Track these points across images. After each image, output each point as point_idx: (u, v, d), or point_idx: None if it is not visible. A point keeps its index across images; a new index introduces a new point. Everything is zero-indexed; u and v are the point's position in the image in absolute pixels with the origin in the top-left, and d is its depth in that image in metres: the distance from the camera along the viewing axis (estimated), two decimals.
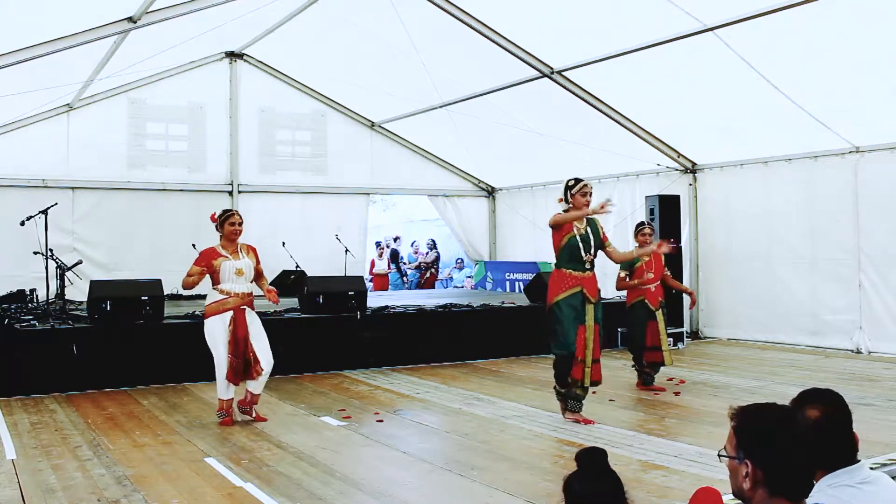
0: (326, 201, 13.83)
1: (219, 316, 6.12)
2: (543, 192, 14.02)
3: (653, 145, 11.08)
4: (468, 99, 11.54)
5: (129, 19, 7.41)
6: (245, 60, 13.10)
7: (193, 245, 9.51)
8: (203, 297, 11.50)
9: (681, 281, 10.66)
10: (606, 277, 8.26)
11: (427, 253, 17.93)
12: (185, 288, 6.23)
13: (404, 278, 17.89)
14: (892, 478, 2.37)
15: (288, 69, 13.24)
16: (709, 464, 4.79)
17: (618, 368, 8.36)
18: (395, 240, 18.31)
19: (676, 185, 11.41)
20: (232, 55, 12.96)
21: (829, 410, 2.31)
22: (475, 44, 9.82)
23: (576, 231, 6.04)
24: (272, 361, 6.29)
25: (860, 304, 9.39)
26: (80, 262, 10.40)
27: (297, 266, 11.67)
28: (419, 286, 17.46)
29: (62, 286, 9.52)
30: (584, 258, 6.03)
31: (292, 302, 9.90)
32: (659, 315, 7.59)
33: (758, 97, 8.83)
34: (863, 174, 9.33)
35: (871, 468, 2.37)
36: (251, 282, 6.30)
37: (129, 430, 6.06)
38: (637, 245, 7.58)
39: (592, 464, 2.04)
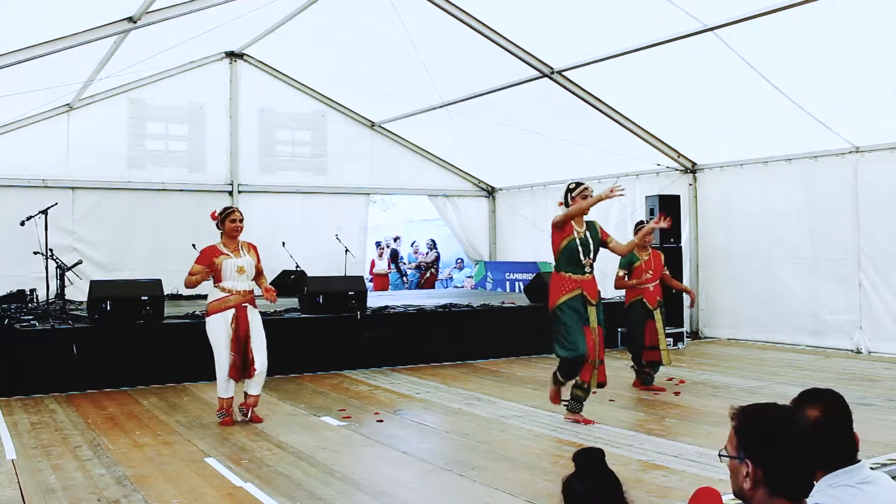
0: (326, 201, 13.83)
1: (221, 314, 6.13)
2: (543, 192, 14.02)
3: (653, 145, 11.08)
4: (468, 99, 11.54)
5: (129, 19, 7.41)
6: (245, 60, 13.10)
7: (193, 245, 9.51)
8: (203, 297, 11.49)
9: (680, 281, 10.67)
10: (606, 278, 8.26)
11: (427, 253, 17.93)
12: (187, 287, 6.23)
13: (404, 278, 17.89)
14: (893, 478, 2.37)
15: (288, 69, 13.24)
16: (709, 464, 4.79)
17: (618, 368, 8.36)
18: (395, 240, 18.31)
19: (676, 185, 11.41)
20: (232, 55, 12.96)
21: (830, 410, 2.31)
22: (475, 44, 9.82)
23: (576, 234, 6.03)
24: (266, 363, 6.28)
25: (860, 304, 9.39)
26: (80, 262, 10.40)
27: (297, 266, 11.68)
28: (419, 286, 17.46)
29: (62, 286, 9.52)
30: (583, 262, 6.02)
31: (292, 302, 9.91)
32: (657, 314, 7.59)
33: (758, 97, 8.83)
34: (863, 174, 9.33)
35: (872, 468, 2.37)
36: (252, 280, 6.30)
37: (129, 430, 6.06)
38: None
39: (590, 464, 2.04)
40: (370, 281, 15.92)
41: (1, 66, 7.18)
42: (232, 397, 6.27)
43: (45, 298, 9.35)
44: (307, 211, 13.51)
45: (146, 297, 8.22)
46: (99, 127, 12.02)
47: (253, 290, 6.32)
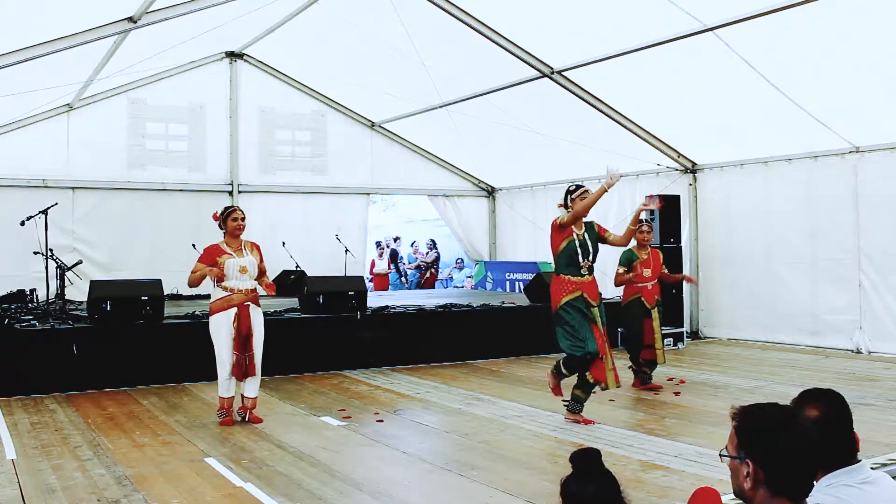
0: (326, 201, 13.83)
1: (224, 313, 6.13)
2: (543, 192, 14.02)
3: (653, 145, 11.08)
4: (468, 99, 11.54)
5: (129, 19, 7.41)
6: (245, 60, 13.10)
7: (193, 245, 9.52)
8: (204, 297, 11.52)
9: (681, 282, 10.66)
10: (606, 278, 8.27)
11: (427, 253, 17.93)
12: (190, 285, 6.22)
13: (403, 279, 17.89)
14: (893, 477, 2.37)
15: (288, 69, 13.24)
16: (709, 464, 4.80)
17: (619, 369, 8.33)
18: (396, 240, 18.31)
19: (676, 185, 11.41)
20: (232, 55, 12.96)
21: (830, 410, 2.31)
22: (475, 44, 9.82)
23: (575, 236, 6.02)
24: (260, 365, 6.29)
25: (860, 304, 9.39)
26: (80, 262, 10.40)
27: (297, 266, 11.68)
28: (419, 286, 17.46)
29: (62, 286, 9.52)
30: (582, 263, 6.00)
31: (292, 302, 9.91)
32: (655, 313, 7.61)
33: (758, 97, 8.83)
34: (863, 174, 9.33)
35: (872, 468, 2.37)
36: (255, 279, 6.30)
37: (129, 430, 6.06)
38: (636, 243, 7.59)
39: (587, 465, 2.04)
40: (370, 281, 15.92)
41: (1, 66, 7.18)
42: (232, 397, 6.28)
43: (45, 298, 9.35)
44: (307, 211, 13.51)
45: (146, 297, 8.22)
46: (99, 127, 12.02)
47: (256, 289, 6.32)
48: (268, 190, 13.34)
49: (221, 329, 6.13)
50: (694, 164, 11.43)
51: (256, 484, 4.59)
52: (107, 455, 5.29)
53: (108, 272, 11.56)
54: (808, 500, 1.95)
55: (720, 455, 2.02)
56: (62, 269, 9.49)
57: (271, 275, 7.29)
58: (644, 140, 10.97)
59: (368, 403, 7.07)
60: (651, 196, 6.50)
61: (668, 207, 10.91)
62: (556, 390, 6.23)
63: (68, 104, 11.64)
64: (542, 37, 9.63)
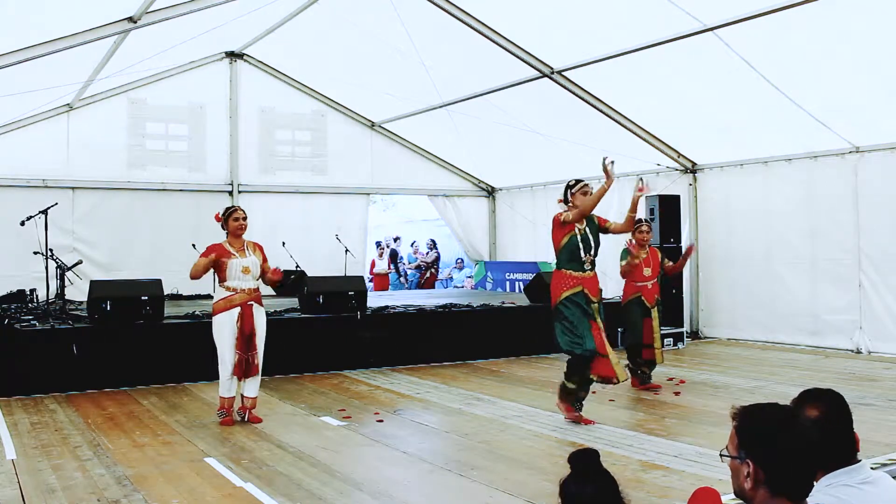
0: (326, 201, 13.83)
1: (227, 313, 6.13)
2: (543, 192, 14.02)
3: (653, 145, 11.08)
4: (468, 99, 11.54)
5: (130, 19, 7.41)
6: (245, 60, 13.11)
7: (193, 245, 9.51)
8: (204, 297, 11.53)
9: (680, 281, 10.68)
10: (606, 276, 8.27)
11: (427, 253, 17.93)
12: (193, 275, 6.19)
13: (402, 279, 17.88)
14: (893, 477, 2.37)
15: (288, 69, 13.24)
16: (709, 464, 4.79)
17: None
18: (396, 240, 18.31)
19: (676, 185, 11.41)
20: (232, 55, 12.96)
21: (830, 410, 2.30)
22: (475, 44, 9.82)
23: (577, 230, 6.01)
24: (261, 364, 6.30)
25: (860, 304, 9.39)
26: (80, 262, 10.39)
27: (297, 266, 11.67)
28: (419, 286, 17.46)
29: (62, 286, 9.52)
30: (584, 258, 6.00)
31: (292, 302, 9.91)
32: (654, 313, 7.61)
33: (758, 97, 8.83)
34: (863, 174, 9.33)
35: (872, 468, 2.37)
36: (257, 279, 6.30)
37: (129, 430, 6.06)
38: (634, 242, 7.59)
39: (586, 465, 2.04)
40: (370, 281, 15.91)
41: (1, 66, 7.18)
42: (233, 397, 6.28)
43: (45, 298, 9.35)
44: (307, 211, 13.51)
45: (146, 297, 8.22)
46: (99, 127, 12.02)
47: (258, 289, 6.33)
48: (268, 190, 13.34)
49: (224, 329, 6.13)
50: (694, 164, 11.43)
51: (256, 484, 4.59)
52: (107, 455, 5.29)
53: (108, 272, 11.55)
54: (808, 500, 1.95)
55: (721, 455, 2.02)
56: (62, 269, 9.49)
57: None
58: (644, 140, 10.97)
59: (368, 403, 7.07)
60: (642, 188, 6.33)
61: (668, 207, 10.93)
62: (571, 412, 6.08)
63: (68, 104, 11.64)
64: (542, 37, 9.63)
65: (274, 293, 11.17)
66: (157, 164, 12.57)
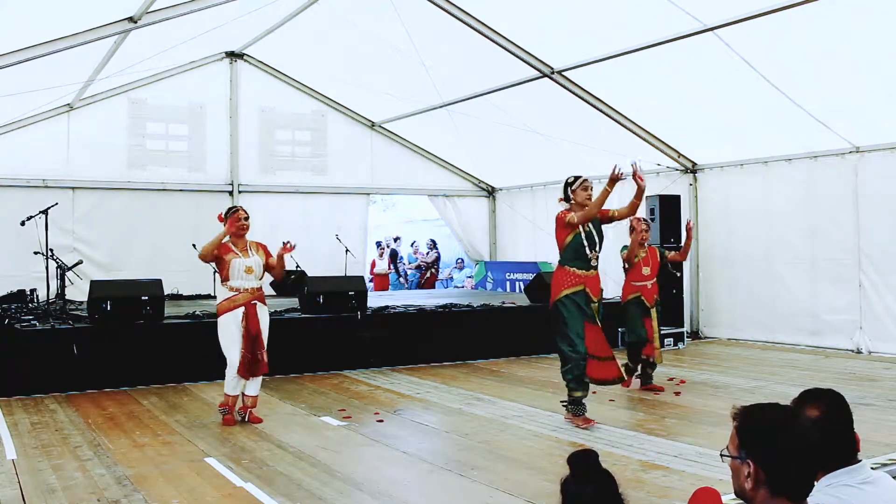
0: (326, 201, 13.83)
1: (231, 313, 6.13)
2: (543, 192, 14.02)
3: (653, 145, 11.08)
4: (468, 99, 11.54)
5: (130, 19, 7.41)
6: (245, 60, 13.11)
7: (193, 245, 9.52)
8: (205, 297, 11.53)
9: (680, 281, 10.68)
10: (607, 276, 8.26)
11: (427, 253, 17.93)
12: (203, 255, 6.18)
13: (402, 279, 17.88)
14: (893, 478, 2.37)
15: (288, 69, 13.24)
16: (709, 464, 4.80)
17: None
18: (396, 240, 18.31)
19: (677, 185, 11.41)
20: (232, 55, 12.96)
21: (830, 410, 2.30)
22: (475, 44, 9.83)
23: (581, 228, 5.99)
24: (267, 364, 6.30)
25: (860, 304, 9.39)
26: (80, 262, 10.40)
27: (298, 266, 11.68)
28: (419, 286, 17.46)
29: (62, 286, 9.52)
30: (589, 255, 5.99)
31: (292, 302, 9.91)
32: (653, 313, 7.60)
33: (758, 97, 8.83)
34: (863, 174, 9.33)
35: (872, 468, 2.37)
36: (260, 278, 6.30)
37: (129, 430, 6.06)
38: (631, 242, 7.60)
39: (585, 465, 2.04)
40: (370, 281, 15.91)
41: (1, 66, 7.18)
42: (237, 395, 6.26)
43: (45, 298, 9.36)
44: (307, 211, 13.50)
45: (146, 297, 8.22)
46: (99, 127, 12.02)
47: (261, 288, 6.32)
48: (268, 190, 13.34)
49: (229, 328, 6.12)
50: (694, 164, 11.43)
51: (256, 484, 4.59)
52: (107, 455, 5.29)
53: (108, 272, 11.56)
54: (808, 499, 1.95)
55: (721, 455, 2.02)
56: (62, 269, 9.49)
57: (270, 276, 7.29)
58: (644, 140, 10.97)
59: (368, 403, 7.07)
60: (634, 171, 6.20)
61: (668, 207, 10.93)
62: (587, 422, 5.98)
63: (68, 104, 11.64)
64: (542, 37, 9.63)
65: (274, 293, 11.19)
66: (158, 164, 12.57)
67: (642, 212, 11.09)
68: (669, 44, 8.54)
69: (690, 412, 6.51)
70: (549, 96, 10.58)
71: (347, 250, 12.45)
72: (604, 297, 6.33)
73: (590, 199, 6.00)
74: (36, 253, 9.45)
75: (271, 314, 8.62)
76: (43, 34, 7.24)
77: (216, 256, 6.19)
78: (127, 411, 6.77)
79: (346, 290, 9.27)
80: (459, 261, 18.31)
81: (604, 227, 6.21)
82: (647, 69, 9.25)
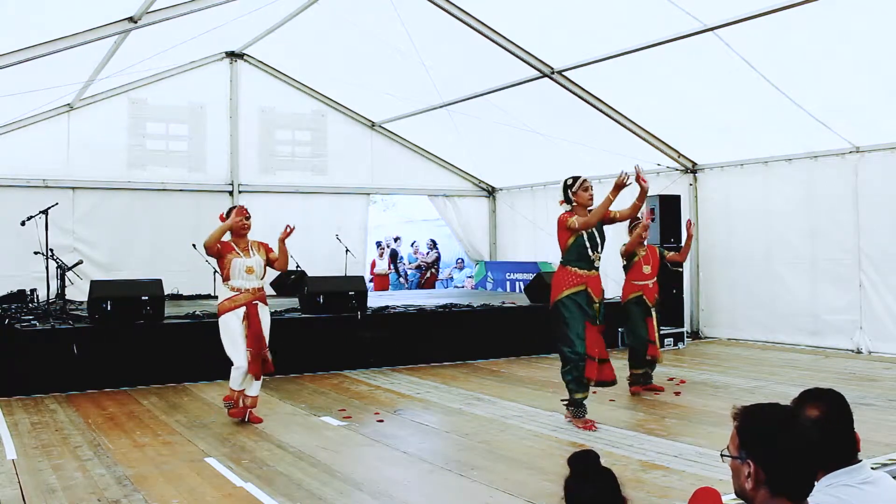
0: (326, 201, 13.83)
1: (233, 312, 6.12)
2: (543, 192, 14.02)
3: (653, 145, 11.08)
4: (468, 99, 11.54)
5: (130, 19, 7.41)
6: (245, 60, 13.11)
7: (193, 245, 9.52)
8: (205, 297, 11.52)
9: (680, 281, 10.68)
10: (607, 276, 8.25)
11: (427, 253, 17.93)
12: (209, 244, 6.09)
13: (402, 279, 17.88)
14: (894, 478, 2.37)
15: (288, 69, 13.24)
16: (709, 464, 4.79)
17: (619, 368, 8.34)
18: (396, 240, 18.31)
19: (677, 185, 11.41)
20: (232, 55, 12.96)
21: (830, 410, 2.30)
22: (475, 44, 9.83)
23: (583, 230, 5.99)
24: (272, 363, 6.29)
25: (860, 304, 9.39)
26: (80, 262, 10.40)
27: (298, 266, 11.68)
28: (419, 286, 17.46)
29: (62, 286, 9.52)
30: (592, 257, 5.98)
31: (292, 302, 9.91)
32: (653, 313, 7.60)
33: (758, 97, 8.83)
34: (863, 174, 9.33)
35: (872, 468, 2.37)
36: (261, 278, 6.28)
37: (129, 430, 6.06)
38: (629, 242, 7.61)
39: (585, 466, 2.05)
40: (370, 281, 15.91)
41: (1, 66, 7.18)
42: (243, 389, 6.22)
43: (45, 298, 9.36)
44: (307, 211, 13.47)
45: (146, 297, 8.22)
46: (99, 127, 12.02)
47: (262, 288, 6.31)
48: (268, 190, 13.34)
49: (232, 326, 6.10)
50: (694, 164, 11.43)
51: (256, 484, 4.59)
52: (107, 455, 5.29)
53: (108, 272, 11.56)
54: (808, 499, 1.95)
55: (721, 455, 2.02)
56: (62, 269, 9.49)
57: (271, 276, 7.29)
58: (644, 140, 10.97)
59: (368, 403, 7.07)
60: (637, 174, 6.19)
61: (669, 207, 10.93)
62: (588, 424, 5.96)
63: (69, 104, 11.64)
64: (542, 37, 9.63)
65: (274, 293, 11.19)
66: (158, 164, 12.57)
67: (641, 212, 11.11)
68: (669, 44, 8.54)
69: (690, 412, 6.51)
70: (549, 96, 10.58)
71: (347, 250, 12.45)
72: (605, 297, 6.31)
73: (591, 199, 5.99)
74: (36, 253, 9.45)
75: (271, 314, 8.65)
76: (43, 34, 7.24)
77: (218, 252, 6.16)
78: (127, 411, 6.77)
79: (346, 290, 9.27)
80: (459, 261, 18.31)
81: (605, 227, 6.19)
82: (647, 69, 9.25)
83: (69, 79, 9.93)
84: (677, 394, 7.29)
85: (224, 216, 6.38)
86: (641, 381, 7.51)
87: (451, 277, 18.64)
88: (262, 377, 6.29)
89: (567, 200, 6.02)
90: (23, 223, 9.28)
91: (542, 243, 13.45)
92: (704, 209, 11.39)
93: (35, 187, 11.53)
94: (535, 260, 13.77)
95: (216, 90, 12.92)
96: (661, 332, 7.83)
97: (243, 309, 6.12)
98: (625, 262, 7.64)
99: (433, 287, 17.37)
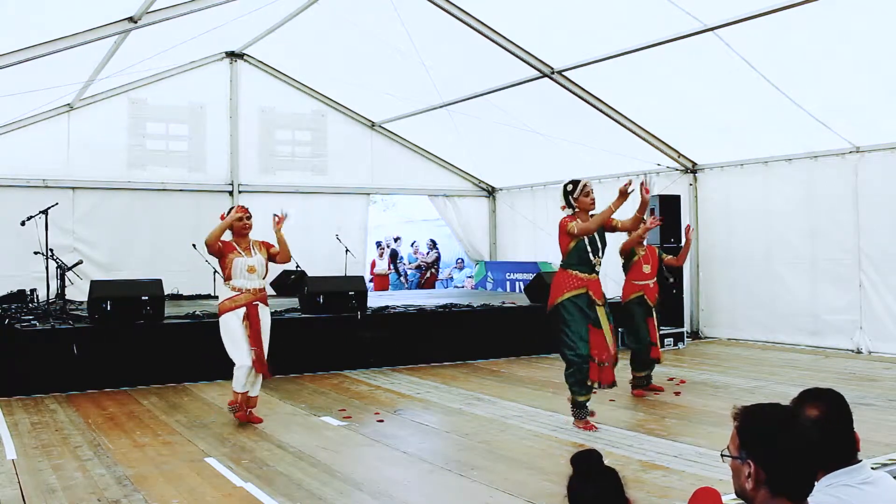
0: (326, 201, 13.83)
1: (233, 311, 6.11)
2: (543, 192, 14.02)
3: (653, 145, 11.08)
4: (468, 99, 11.54)
5: (130, 19, 7.41)
6: (245, 60, 13.11)
7: (194, 245, 9.51)
8: (205, 297, 11.51)
9: (680, 281, 10.67)
10: (607, 277, 8.25)
11: (427, 253, 17.93)
12: (210, 241, 6.05)
13: (402, 279, 17.88)
14: (894, 477, 2.37)
15: (288, 69, 13.24)
16: (709, 464, 4.80)
17: (619, 369, 8.34)
18: (396, 240, 18.31)
19: (677, 185, 11.41)
20: (232, 55, 12.96)
21: (830, 410, 2.30)
22: (475, 44, 9.83)
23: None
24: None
25: (860, 304, 9.39)
26: (80, 262, 10.41)
27: (297, 266, 11.67)
28: (419, 286, 17.46)
29: (62, 286, 9.52)
30: (593, 261, 5.97)
31: (292, 302, 9.91)
32: (654, 313, 7.60)
33: (758, 97, 8.83)
34: (863, 174, 9.33)
35: (872, 468, 2.37)
36: (263, 278, 6.28)
37: (129, 430, 6.06)
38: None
39: (587, 465, 2.04)
40: (370, 281, 15.91)
41: (1, 66, 7.18)
42: (246, 392, 6.20)
43: (45, 298, 9.36)
44: (307, 211, 13.46)
45: (146, 297, 8.22)
46: (99, 127, 12.02)
47: (264, 289, 6.30)
48: (268, 190, 13.33)
49: (233, 326, 6.08)
50: (694, 164, 11.43)
51: (256, 484, 4.59)
52: (107, 455, 5.29)
53: (108, 272, 11.56)
54: (808, 499, 1.95)
55: (722, 455, 2.02)
56: (62, 269, 9.49)
57: (271, 275, 7.27)
58: (644, 140, 10.97)
59: (368, 403, 7.07)
60: (642, 183, 6.23)
61: (668, 207, 10.92)
62: (588, 425, 5.95)
63: (69, 104, 11.64)
64: (542, 37, 9.63)
65: (274, 293, 11.19)
66: (158, 164, 12.57)
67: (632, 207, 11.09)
68: (669, 44, 8.54)
69: (690, 412, 6.51)
70: (549, 96, 10.58)
71: (347, 250, 12.45)
72: (607, 299, 6.30)
73: (593, 203, 5.97)
74: (36, 253, 9.45)
75: (271, 314, 8.66)
76: (43, 34, 7.24)
77: (220, 251, 6.14)
78: (127, 411, 6.77)
79: (346, 290, 9.27)
80: (459, 261, 18.31)
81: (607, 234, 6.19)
82: (647, 69, 9.25)
83: (69, 79, 9.93)
84: (677, 394, 7.29)
85: (225, 216, 6.38)
86: (643, 384, 7.50)
87: (451, 277, 18.64)
88: (260, 377, 6.28)
89: (568, 205, 5.99)
90: (23, 223, 9.29)
91: (542, 243, 13.45)
92: (704, 209, 11.39)
93: (35, 187, 11.53)
94: (535, 260, 13.77)
95: (216, 90, 12.92)
96: (661, 332, 7.82)
97: (244, 309, 6.11)
98: (623, 262, 7.64)
99: (433, 287, 17.38)
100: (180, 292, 11.61)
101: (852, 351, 9.42)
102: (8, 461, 5.14)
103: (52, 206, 9.50)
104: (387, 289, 16.67)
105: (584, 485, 2.01)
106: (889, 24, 7.27)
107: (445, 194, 15.25)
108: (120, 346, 7.96)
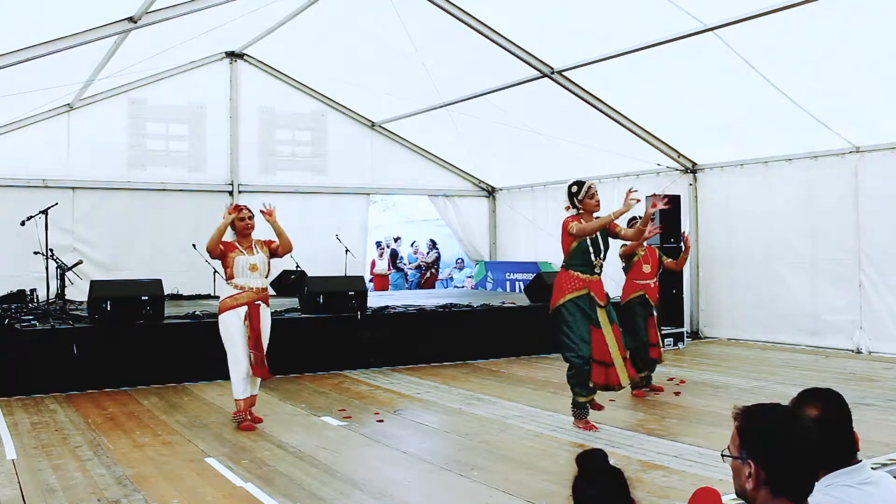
0: (326, 201, 13.84)
1: (234, 311, 6.07)
2: (543, 192, 14.03)
3: (653, 145, 11.09)
4: (468, 99, 11.54)
5: (130, 19, 7.41)
6: (245, 60, 13.11)
7: (194, 245, 9.51)
8: (205, 297, 11.51)
9: (680, 281, 10.68)
10: (607, 277, 8.24)
11: (427, 253, 17.93)
12: (211, 245, 6.02)
13: (404, 278, 17.86)
14: (894, 477, 2.36)
15: (288, 69, 13.24)
16: (709, 464, 4.80)
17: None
18: (396, 240, 18.31)
19: (676, 185, 11.41)
20: (232, 55, 12.96)
21: (829, 410, 2.30)
22: (475, 44, 9.83)
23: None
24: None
25: (860, 304, 9.39)
26: (80, 262, 10.41)
27: (297, 266, 11.67)
28: (419, 286, 17.46)
29: (62, 286, 9.52)
30: (594, 262, 5.96)
31: (292, 302, 9.91)
32: (655, 312, 7.59)
33: (758, 97, 8.83)
34: (863, 174, 9.33)
35: (872, 468, 2.37)
36: (265, 276, 6.27)
37: (129, 430, 6.06)
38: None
39: (592, 465, 2.04)
40: (370, 281, 15.91)
41: (1, 66, 7.18)
42: (248, 398, 6.13)
43: (45, 298, 9.35)
44: (307, 211, 13.48)
45: (146, 297, 8.21)
46: (99, 127, 12.02)
47: (266, 288, 6.26)
48: (268, 190, 13.30)
49: (232, 327, 6.04)
50: (694, 164, 11.43)
51: (256, 484, 4.59)
52: (107, 455, 5.29)
53: (108, 272, 11.55)
54: (808, 499, 1.95)
55: (722, 455, 2.02)
56: (62, 269, 9.49)
57: (271, 275, 7.26)
58: (644, 140, 10.97)
59: (368, 403, 7.07)
60: (655, 195, 6.37)
61: (669, 207, 10.90)
62: (590, 426, 5.94)
63: (68, 104, 11.64)
64: (542, 37, 9.63)
65: (274, 293, 11.18)
66: (158, 164, 12.57)
67: (640, 210, 11.09)
68: (669, 44, 8.54)
69: (690, 412, 6.51)
70: (549, 96, 10.58)
71: (347, 250, 12.45)
72: (610, 299, 6.29)
73: (598, 204, 5.97)
74: (36, 253, 9.45)
75: (272, 314, 8.65)
76: (43, 34, 7.24)
77: (222, 253, 6.12)
78: (127, 411, 6.77)
79: (346, 290, 9.27)
80: (459, 261, 18.31)
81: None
82: (647, 69, 9.25)
83: (69, 79, 9.93)
84: (677, 394, 7.29)
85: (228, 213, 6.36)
86: (643, 385, 7.49)
87: (451, 277, 18.64)
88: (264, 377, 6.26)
89: (573, 206, 5.98)
90: (23, 223, 9.29)
91: (542, 243, 13.45)
92: (704, 209, 11.39)
93: (35, 187, 11.53)
94: (535, 260, 13.77)
95: (216, 90, 12.92)
96: (662, 332, 7.81)
97: (244, 308, 6.06)
98: (624, 264, 7.64)
99: (433, 287, 17.37)
100: (180, 292, 11.61)
101: (852, 351, 9.42)
102: (8, 461, 5.14)
103: (52, 206, 9.50)
104: (387, 289, 16.67)
105: (589, 485, 2.00)
106: (889, 24, 7.27)
107: (445, 194, 15.25)
108: (120, 346, 7.96)
